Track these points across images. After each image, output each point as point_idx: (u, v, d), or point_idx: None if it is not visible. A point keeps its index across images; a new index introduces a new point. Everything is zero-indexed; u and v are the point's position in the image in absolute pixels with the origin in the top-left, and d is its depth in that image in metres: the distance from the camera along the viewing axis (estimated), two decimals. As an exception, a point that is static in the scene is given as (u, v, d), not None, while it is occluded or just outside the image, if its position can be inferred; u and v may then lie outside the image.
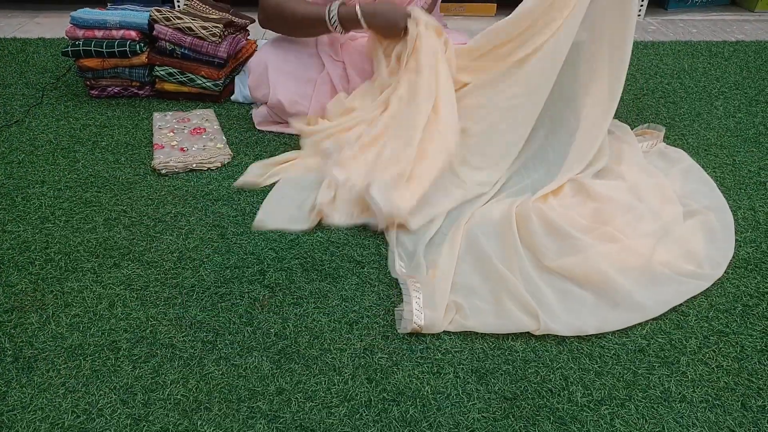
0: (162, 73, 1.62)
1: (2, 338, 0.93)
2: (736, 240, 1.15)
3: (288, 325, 0.96)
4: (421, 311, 0.95)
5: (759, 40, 2.23)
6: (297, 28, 1.41)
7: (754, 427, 0.81)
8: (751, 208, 1.25)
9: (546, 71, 1.23)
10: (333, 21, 1.34)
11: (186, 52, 1.59)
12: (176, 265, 1.07)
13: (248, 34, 1.79)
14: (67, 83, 1.77)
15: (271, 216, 1.19)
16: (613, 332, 0.95)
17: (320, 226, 1.18)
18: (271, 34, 1.54)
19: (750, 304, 1.01)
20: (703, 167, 1.36)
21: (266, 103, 1.49)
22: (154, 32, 1.59)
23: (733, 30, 2.35)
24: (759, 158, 1.43)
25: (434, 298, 0.97)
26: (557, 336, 0.94)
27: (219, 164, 1.37)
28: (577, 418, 0.82)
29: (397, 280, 1.03)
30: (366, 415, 0.82)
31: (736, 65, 1.98)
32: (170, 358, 0.90)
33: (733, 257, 1.11)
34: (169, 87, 1.65)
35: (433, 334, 0.94)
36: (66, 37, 1.62)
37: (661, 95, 1.70)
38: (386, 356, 0.91)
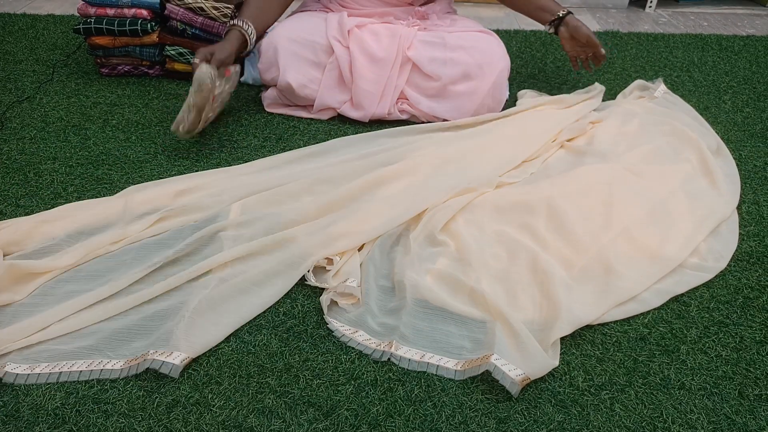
0: (172, 52, 1.62)
1: (17, 310, 0.95)
2: (740, 233, 1.16)
3: (296, 305, 0.98)
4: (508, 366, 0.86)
5: (770, 35, 2.22)
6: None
7: (750, 414, 0.83)
8: (755, 203, 1.26)
9: None
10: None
11: (197, 32, 1.60)
12: (187, 243, 1.09)
13: (259, 16, 1.78)
14: (78, 61, 1.77)
15: None
16: (615, 320, 0.97)
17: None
18: (281, 17, 1.55)
19: (751, 297, 1.02)
20: (709, 161, 1.37)
21: (276, 85, 1.49)
22: (166, 11, 1.60)
23: (744, 24, 2.34)
24: (765, 153, 1.44)
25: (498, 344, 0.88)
26: (560, 322, 0.95)
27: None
28: (578, 402, 0.84)
29: None
30: (372, 393, 0.84)
31: (746, 60, 1.97)
32: (181, 333, 0.92)
33: (736, 250, 1.12)
34: (179, 67, 1.66)
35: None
36: (77, 14, 1.62)
37: (669, 88, 1.70)
38: (392, 337, 0.93)
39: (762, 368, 0.90)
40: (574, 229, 1.09)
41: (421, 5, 1.55)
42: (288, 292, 0.99)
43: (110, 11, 1.59)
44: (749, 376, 0.89)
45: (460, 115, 1.47)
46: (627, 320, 0.97)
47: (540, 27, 2.22)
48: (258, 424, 0.79)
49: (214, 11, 1.56)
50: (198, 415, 0.80)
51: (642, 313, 0.98)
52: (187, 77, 1.67)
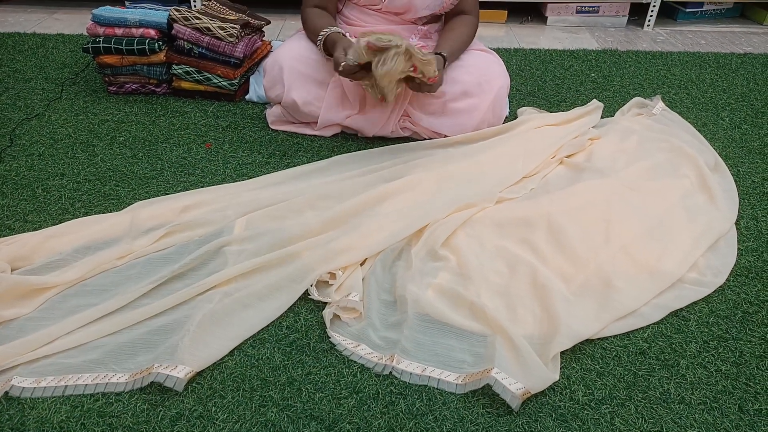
0: (179, 71, 1.66)
1: (24, 324, 0.96)
2: (738, 249, 1.17)
3: (299, 319, 0.99)
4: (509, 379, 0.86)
5: (767, 52, 2.25)
6: (313, 37, 1.50)
7: (750, 429, 0.83)
8: (753, 218, 1.27)
9: None
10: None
11: (203, 51, 1.63)
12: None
13: (263, 35, 1.82)
14: (86, 79, 1.81)
15: None
16: (615, 335, 0.98)
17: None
18: (285, 36, 1.58)
19: (750, 311, 1.03)
20: (707, 177, 1.39)
21: (280, 102, 1.52)
22: (173, 31, 1.63)
23: (742, 42, 2.37)
24: (763, 169, 1.45)
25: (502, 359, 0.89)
26: (560, 337, 0.96)
27: None
28: (578, 416, 0.84)
29: None
30: (374, 406, 0.85)
31: (743, 77, 2.00)
32: (185, 347, 0.93)
33: (735, 265, 1.13)
34: (185, 85, 1.69)
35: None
36: (87, 33, 1.66)
37: (668, 105, 1.73)
38: (394, 351, 0.93)
39: (762, 383, 0.90)
40: (574, 245, 1.11)
41: (423, 24, 1.58)
42: (291, 307, 1.01)
43: (118, 31, 1.63)
44: (749, 391, 0.89)
45: (461, 131, 1.49)
46: (626, 335, 0.98)
47: (540, 46, 2.25)
48: (261, 437, 0.80)
49: (220, 31, 1.59)
50: (201, 428, 0.81)
51: (641, 328, 0.99)
52: (192, 95, 1.70)
